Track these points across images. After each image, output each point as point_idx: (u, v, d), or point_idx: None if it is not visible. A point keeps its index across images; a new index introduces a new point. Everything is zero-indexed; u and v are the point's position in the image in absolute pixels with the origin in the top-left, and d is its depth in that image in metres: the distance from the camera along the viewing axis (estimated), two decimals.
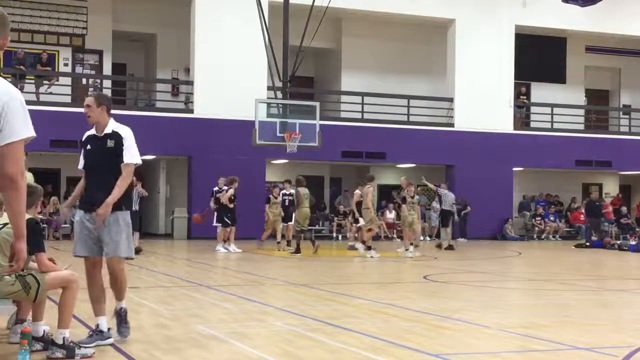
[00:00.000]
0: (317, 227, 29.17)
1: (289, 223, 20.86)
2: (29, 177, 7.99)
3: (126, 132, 7.03)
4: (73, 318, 6.87)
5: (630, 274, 16.43)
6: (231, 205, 20.33)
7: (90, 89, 28.10)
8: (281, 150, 23.24)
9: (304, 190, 20.08)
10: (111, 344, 6.85)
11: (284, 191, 21.27)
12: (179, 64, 28.08)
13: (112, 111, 7.29)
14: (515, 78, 30.22)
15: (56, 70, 26.98)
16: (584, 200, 30.54)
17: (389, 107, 28.19)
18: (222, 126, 25.88)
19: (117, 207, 6.86)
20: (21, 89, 25.26)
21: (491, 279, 14.59)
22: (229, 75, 26.07)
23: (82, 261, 7.09)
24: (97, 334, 6.87)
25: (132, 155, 6.95)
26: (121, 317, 7.09)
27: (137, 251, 17.27)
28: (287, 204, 20.82)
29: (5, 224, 6.38)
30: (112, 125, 7.05)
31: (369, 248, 19.04)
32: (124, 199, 6.91)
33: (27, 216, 6.38)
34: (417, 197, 19.83)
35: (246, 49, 26.11)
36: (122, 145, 6.93)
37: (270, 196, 21.22)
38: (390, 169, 30.73)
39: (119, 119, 7.46)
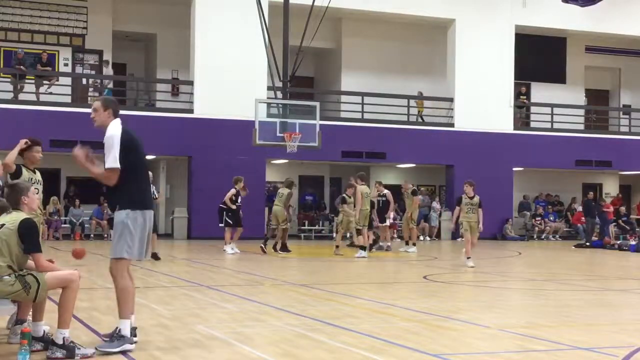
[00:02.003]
0: (317, 227, 29.23)
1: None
2: (38, 176, 8.02)
3: (107, 134, 6.76)
4: (73, 318, 6.86)
5: (631, 274, 16.42)
6: (233, 206, 19.80)
7: (90, 89, 28.11)
8: (281, 150, 23.24)
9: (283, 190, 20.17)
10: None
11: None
12: (179, 64, 28.08)
13: None
14: (515, 78, 30.22)
15: (56, 70, 26.97)
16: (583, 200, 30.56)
17: (389, 107, 28.19)
18: (222, 126, 25.88)
19: (115, 207, 6.81)
20: (21, 89, 25.44)
21: (491, 279, 14.59)
22: (229, 75, 26.07)
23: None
24: (118, 337, 6.66)
25: (108, 160, 6.66)
26: (112, 338, 6.68)
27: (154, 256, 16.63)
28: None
29: (2, 225, 6.39)
30: (108, 128, 6.82)
31: (364, 248, 19.00)
32: (120, 198, 6.75)
33: (23, 216, 6.43)
34: (477, 197, 16.81)
35: (246, 49, 26.11)
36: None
37: (345, 195, 20.23)
38: (390, 169, 30.73)
39: (120, 118, 7.45)
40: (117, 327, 6.73)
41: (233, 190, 19.84)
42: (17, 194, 6.63)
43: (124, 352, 6.60)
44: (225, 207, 20.28)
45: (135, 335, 6.88)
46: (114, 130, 6.74)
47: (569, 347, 7.25)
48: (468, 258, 16.39)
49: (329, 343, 7.21)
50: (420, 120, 29.69)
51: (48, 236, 24.45)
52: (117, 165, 6.64)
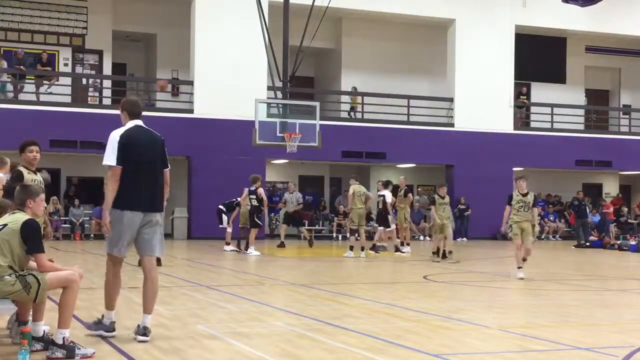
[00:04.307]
0: (317, 227, 29.22)
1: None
2: (39, 177, 8.00)
3: (109, 136, 7.24)
4: (73, 318, 6.87)
5: (631, 274, 16.43)
6: (264, 208, 19.82)
7: (90, 89, 28.12)
8: (281, 150, 23.24)
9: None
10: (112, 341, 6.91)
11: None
12: (179, 64, 28.07)
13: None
14: (515, 78, 30.22)
15: (56, 70, 26.97)
16: (569, 202, 30.55)
17: (389, 107, 28.19)
18: (222, 126, 25.88)
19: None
20: (21, 89, 25.45)
21: (491, 279, 14.59)
22: (229, 75, 26.08)
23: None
24: (97, 323, 7.37)
25: (104, 157, 7.16)
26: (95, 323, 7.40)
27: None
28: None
29: (4, 225, 6.39)
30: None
31: (362, 248, 19.10)
32: (115, 198, 7.13)
33: (26, 217, 6.43)
34: (531, 195, 14.56)
35: (246, 49, 26.11)
36: None
37: (436, 196, 18.28)
38: (390, 169, 30.73)
39: (120, 118, 7.54)
40: (102, 314, 7.37)
41: (262, 190, 19.73)
42: (25, 195, 6.63)
43: (123, 352, 6.63)
44: (223, 208, 20.41)
45: (146, 335, 7.11)
46: (114, 132, 7.24)
47: (569, 347, 7.25)
48: (519, 268, 14.07)
49: (329, 343, 7.21)
50: (351, 116, 29.39)
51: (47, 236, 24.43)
52: (109, 162, 7.11)
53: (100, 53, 28.04)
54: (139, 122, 7.40)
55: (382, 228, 20.80)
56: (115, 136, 7.16)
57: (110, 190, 7.09)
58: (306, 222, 28.23)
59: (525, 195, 14.40)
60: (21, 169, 8.02)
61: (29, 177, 7.85)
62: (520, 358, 6.83)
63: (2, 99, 24.84)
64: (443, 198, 18.08)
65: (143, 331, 7.12)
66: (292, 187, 23.11)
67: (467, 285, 13.39)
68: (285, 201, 22.87)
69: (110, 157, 7.09)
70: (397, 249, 20.26)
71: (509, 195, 14.67)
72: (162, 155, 7.42)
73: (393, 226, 20.95)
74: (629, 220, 31.17)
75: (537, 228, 14.85)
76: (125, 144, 7.11)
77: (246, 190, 19.91)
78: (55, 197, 25.43)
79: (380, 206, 20.80)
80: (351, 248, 19.09)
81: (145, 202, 7.18)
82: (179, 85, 28.21)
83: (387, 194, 21.02)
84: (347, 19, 29.70)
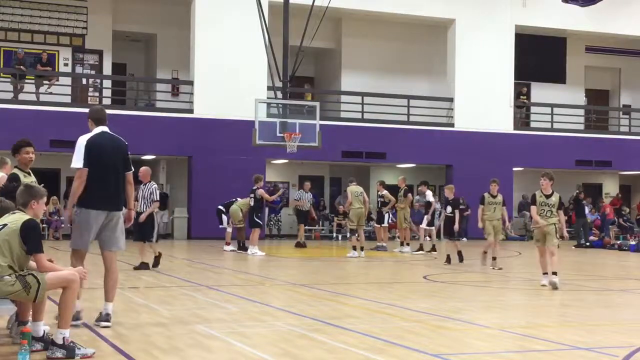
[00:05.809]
0: (317, 227, 29.22)
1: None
2: (32, 178, 8.01)
3: (77, 141, 7.86)
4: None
5: (631, 274, 16.43)
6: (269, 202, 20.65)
7: (90, 89, 28.11)
8: (281, 150, 23.24)
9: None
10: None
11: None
12: (179, 64, 28.07)
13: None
14: (515, 78, 30.22)
15: (56, 70, 26.97)
16: (570, 200, 30.55)
17: (389, 107, 28.19)
18: (222, 126, 25.88)
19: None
20: (21, 89, 25.44)
21: (491, 279, 14.59)
22: (229, 75, 26.07)
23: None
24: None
25: (72, 161, 7.77)
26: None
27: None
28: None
29: (4, 225, 6.39)
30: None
31: (361, 248, 19.12)
32: (80, 198, 7.75)
33: (26, 217, 6.42)
34: (556, 196, 13.12)
35: (246, 49, 26.11)
36: None
37: (486, 194, 16.47)
38: (390, 169, 30.73)
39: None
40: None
41: (262, 190, 19.82)
42: (30, 196, 6.61)
43: (123, 352, 6.64)
44: (223, 208, 20.44)
45: (108, 320, 7.81)
46: (81, 137, 7.86)
47: (569, 347, 7.25)
48: (544, 274, 12.92)
49: (329, 343, 7.21)
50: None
51: (48, 236, 24.46)
52: (76, 165, 7.73)
53: (100, 53, 28.03)
54: (104, 129, 7.99)
55: (431, 227, 21.98)
56: (82, 141, 7.80)
57: (76, 189, 7.73)
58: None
59: (548, 196, 12.95)
60: (16, 171, 8.02)
61: (24, 179, 7.84)
62: (520, 358, 6.83)
63: (2, 99, 24.84)
64: (495, 197, 16.36)
65: (106, 317, 7.83)
66: (307, 186, 24.10)
67: (467, 285, 13.39)
68: (299, 200, 23.83)
69: (77, 160, 7.73)
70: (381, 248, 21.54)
71: (532, 195, 13.28)
72: (125, 159, 8.00)
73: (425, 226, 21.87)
74: (629, 223, 31.13)
75: (566, 235, 13.51)
76: (91, 148, 7.75)
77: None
78: (55, 197, 25.43)
79: (379, 205, 21.20)
80: (354, 248, 19.09)
81: (108, 202, 7.83)
82: (179, 85, 28.21)
83: (386, 194, 21.27)
84: (347, 19, 29.70)
